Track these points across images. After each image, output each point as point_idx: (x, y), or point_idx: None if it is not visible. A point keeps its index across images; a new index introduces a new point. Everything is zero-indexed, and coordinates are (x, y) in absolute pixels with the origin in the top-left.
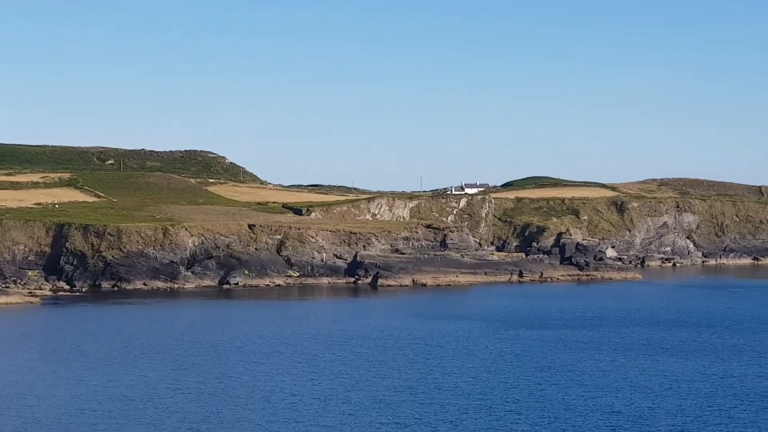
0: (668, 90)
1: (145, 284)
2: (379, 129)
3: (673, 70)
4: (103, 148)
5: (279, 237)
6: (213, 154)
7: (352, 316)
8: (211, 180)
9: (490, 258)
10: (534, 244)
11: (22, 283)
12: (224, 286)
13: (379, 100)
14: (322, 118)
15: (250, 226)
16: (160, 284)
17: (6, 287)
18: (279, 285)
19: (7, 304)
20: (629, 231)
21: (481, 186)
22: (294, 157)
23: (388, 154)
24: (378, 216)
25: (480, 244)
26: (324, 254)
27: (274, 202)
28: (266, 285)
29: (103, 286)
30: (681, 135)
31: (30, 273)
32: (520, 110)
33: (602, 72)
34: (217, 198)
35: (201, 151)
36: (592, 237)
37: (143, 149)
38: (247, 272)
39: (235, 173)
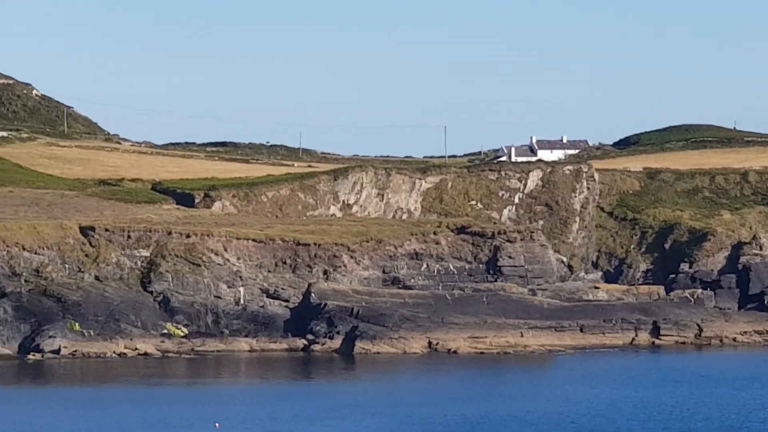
0: None
1: None
2: (358, 41)
3: None
4: None
5: (146, 254)
6: (7, 78)
7: (300, 427)
8: None
9: (591, 297)
10: (684, 266)
11: None
12: (28, 357)
13: None
14: (234, 21)
15: (84, 231)
16: None
17: None
18: (146, 354)
19: None
20: None
21: (571, 146)
22: (178, 91)
23: (376, 87)
24: (355, 208)
25: (570, 267)
26: (241, 289)
27: (135, 179)
28: (118, 354)
29: None
30: None
31: None
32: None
33: None
34: (12, 169)
35: None
36: None
37: None
38: (77, 326)
39: (53, 118)
